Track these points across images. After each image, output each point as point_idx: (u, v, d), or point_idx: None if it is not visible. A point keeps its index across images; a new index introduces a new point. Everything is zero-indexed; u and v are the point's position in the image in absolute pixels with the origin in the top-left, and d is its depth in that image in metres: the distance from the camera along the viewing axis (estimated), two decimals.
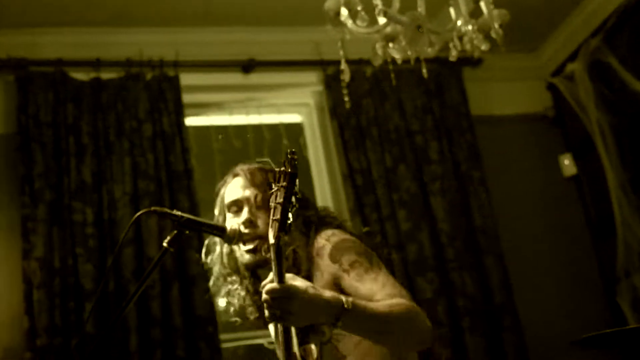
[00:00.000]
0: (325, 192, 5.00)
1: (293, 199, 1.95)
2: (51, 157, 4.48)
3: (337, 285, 2.28)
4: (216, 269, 2.64)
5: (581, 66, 5.04)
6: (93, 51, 4.71)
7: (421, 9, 2.85)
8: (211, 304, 4.42)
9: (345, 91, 3.41)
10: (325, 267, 2.31)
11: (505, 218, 4.98)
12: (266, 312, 1.94)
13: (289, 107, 5.28)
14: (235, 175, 2.62)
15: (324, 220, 2.46)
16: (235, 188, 2.57)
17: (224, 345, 4.57)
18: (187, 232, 2.33)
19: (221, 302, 2.71)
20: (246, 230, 2.45)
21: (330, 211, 2.60)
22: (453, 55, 2.97)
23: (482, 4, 2.85)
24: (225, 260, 2.59)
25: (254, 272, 2.54)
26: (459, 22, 2.87)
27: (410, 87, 5.07)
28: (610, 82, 4.92)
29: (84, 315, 4.28)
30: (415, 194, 4.84)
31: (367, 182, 4.85)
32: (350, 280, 2.24)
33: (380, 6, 2.75)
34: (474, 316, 4.62)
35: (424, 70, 3.01)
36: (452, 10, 2.90)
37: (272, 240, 1.90)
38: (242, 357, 5.13)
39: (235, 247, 2.52)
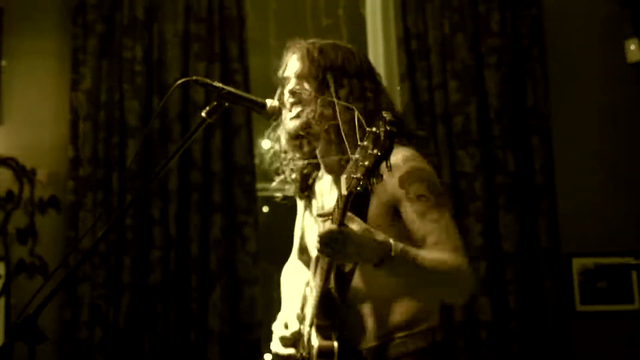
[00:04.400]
0: (378, 54, 4.89)
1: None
2: None
3: (392, 207, 2.25)
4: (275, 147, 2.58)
5: None
6: None
7: None
8: (251, 154, 4.48)
9: None
10: (390, 186, 2.23)
11: (559, 98, 4.84)
12: (317, 245, 1.98)
13: None
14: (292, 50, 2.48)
15: (402, 133, 2.29)
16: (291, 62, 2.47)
17: (260, 194, 4.65)
18: (226, 104, 2.29)
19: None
20: (291, 100, 2.40)
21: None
22: None
23: None
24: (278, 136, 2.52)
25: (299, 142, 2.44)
26: None
27: None
28: None
29: (126, 150, 4.37)
30: (470, 65, 4.71)
31: (422, 47, 4.73)
32: (411, 212, 2.20)
33: None
34: (511, 195, 4.60)
35: None
36: None
37: (344, 192, 1.85)
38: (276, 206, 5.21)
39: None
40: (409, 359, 2.27)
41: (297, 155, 2.49)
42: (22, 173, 4.21)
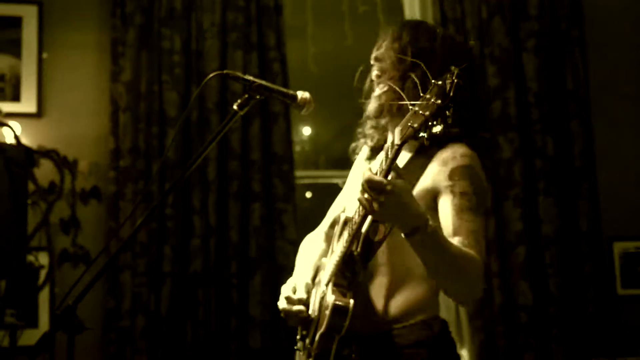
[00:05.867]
0: None
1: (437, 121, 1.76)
2: None
3: (432, 195, 2.23)
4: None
5: None
6: None
7: None
8: (289, 142, 4.50)
9: None
10: (437, 174, 2.23)
11: (599, 82, 4.78)
12: (359, 194, 1.93)
13: None
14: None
15: (469, 134, 2.27)
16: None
17: (299, 181, 4.68)
18: (258, 97, 2.31)
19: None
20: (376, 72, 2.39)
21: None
22: None
23: None
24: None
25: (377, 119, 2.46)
26: None
27: None
28: None
29: (165, 141, 4.41)
30: (508, 49, 4.68)
31: (460, 32, 4.68)
32: (449, 204, 2.18)
33: None
34: (551, 180, 4.57)
35: None
36: None
37: (397, 141, 1.80)
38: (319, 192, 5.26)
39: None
40: (410, 350, 2.24)
41: (374, 125, 2.50)
42: (63, 164, 4.26)
